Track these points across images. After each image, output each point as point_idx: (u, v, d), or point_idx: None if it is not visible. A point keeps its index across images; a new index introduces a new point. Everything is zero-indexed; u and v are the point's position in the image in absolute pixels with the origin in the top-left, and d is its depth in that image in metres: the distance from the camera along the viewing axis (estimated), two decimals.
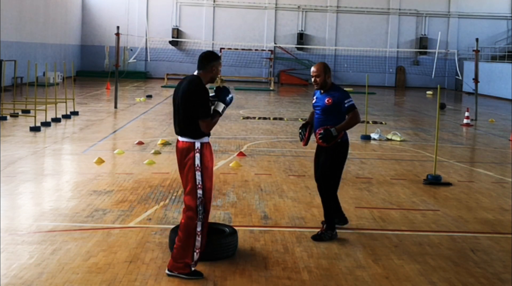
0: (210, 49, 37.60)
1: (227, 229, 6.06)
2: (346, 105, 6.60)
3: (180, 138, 5.45)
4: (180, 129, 5.45)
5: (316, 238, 6.53)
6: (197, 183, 5.34)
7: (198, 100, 5.32)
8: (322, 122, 6.67)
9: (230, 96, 5.53)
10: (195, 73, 5.53)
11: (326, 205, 6.66)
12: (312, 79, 6.78)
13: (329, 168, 6.63)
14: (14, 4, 26.49)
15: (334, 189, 6.78)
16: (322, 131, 6.56)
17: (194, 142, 5.37)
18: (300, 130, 7.03)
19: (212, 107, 5.46)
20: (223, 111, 5.48)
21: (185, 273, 5.30)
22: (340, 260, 5.92)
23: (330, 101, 6.64)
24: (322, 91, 6.77)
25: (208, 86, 5.54)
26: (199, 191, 5.34)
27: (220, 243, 5.76)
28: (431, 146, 13.46)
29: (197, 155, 5.35)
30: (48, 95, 16.89)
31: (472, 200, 8.69)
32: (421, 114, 22.04)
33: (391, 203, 8.35)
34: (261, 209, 7.71)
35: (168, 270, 5.38)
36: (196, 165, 5.34)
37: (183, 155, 5.39)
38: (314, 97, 6.89)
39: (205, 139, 5.42)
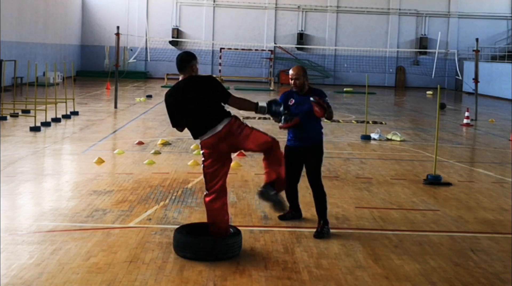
0: (210, 49, 37.73)
1: (231, 229, 6.07)
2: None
3: (220, 126, 5.70)
4: (214, 118, 5.70)
5: (318, 235, 6.65)
6: (259, 130, 5.85)
7: (217, 84, 5.80)
8: (305, 124, 6.76)
9: (277, 108, 5.98)
10: (183, 77, 5.81)
11: (322, 201, 6.82)
12: (291, 82, 6.86)
13: (320, 168, 6.92)
14: (14, 4, 26.49)
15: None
16: (318, 101, 6.59)
17: (229, 119, 5.72)
18: (286, 111, 6.58)
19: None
20: (261, 108, 5.90)
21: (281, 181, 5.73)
22: (340, 260, 5.92)
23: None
24: (301, 94, 6.87)
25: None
26: (268, 134, 5.83)
27: (225, 243, 5.76)
28: (431, 146, 13.46)
29: (239, 121, 5.76)
30: (48, 95, 16.89)
31: (472, 200, 8.69)
32: (421, 114, 22.04)
33: (391, 203, 8.35)
34: (261, 209, 7.71)
35: (265, 185, 5.76)
36: (246, 125, 5.77)
37: (236, 132, 5.70)
38: (292, 100, 6.91)
39: (231, 116, 5.80)
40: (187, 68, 5.81)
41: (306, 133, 6.86)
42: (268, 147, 5.76)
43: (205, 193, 5.98)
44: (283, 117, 6.40)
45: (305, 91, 6.86)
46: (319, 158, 6.89)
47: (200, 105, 5.72)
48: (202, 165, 5.90)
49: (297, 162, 7.00)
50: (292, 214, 7.25)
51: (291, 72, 6.88)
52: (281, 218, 7.21)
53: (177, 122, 6.01)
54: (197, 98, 5.72)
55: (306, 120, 6.82)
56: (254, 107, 5.87)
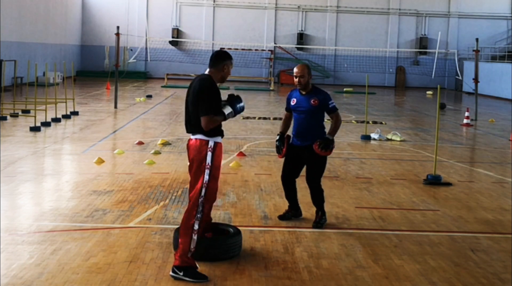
0: (210, 49, 37.70)
1: (231, 230, 6.07)
2: (330, 106, 6.89)
3: (193, 136, 5.47)
4: (192, 128, 5.47)
5: (317, 225, 6.87)
6: (204, 182, 5.36)
7: (204, 96, 5.34)
8: (307, 123, 6.88)
9: (241, 104, 5.53)
10: (206, 71, 5.57)
11: (319, 196, 6.98)
12: (296, 80, 6.88)
13: (320, 169, 6.95)
14: (14, 4, 26.49)
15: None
16: (320, 142, 6.75)
17: (208, 140, 5.39)
18: (277, 143, 7.10)
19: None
20: (228, 115, 5.43)
21: (189, 271, 5.25)
22: (340, 260, 5.92)
23: (316, 102, 6.84)
24: (303, 93, 6.90)
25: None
26: (203, 191, 5.36)
27: (226, 243, 5.77)
28: (431, 146, 13.46)
29: (209, 153, 5.37)
30: (48, 95, 16.89)
31: (472, 200, 8.69)
32: (421, 114, 22.04)
33: (391, 203, 8.35)
34: (261, 209, 7.71)
35: (174, 267, 5.31)
36: (207, 164, 5.37)
37: (195, 153, 5.40)
38: (293, 99, 6.99)
39: (218, 139, 5.46)
40: (218, 66, 5.50)
41: (307, 132, 6.89)
42: (193, 200, 5.35)
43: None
44: (277, 150, 6.99)
45: (309, 90, 6.88)
46: (320, 158, 6.90)
47: (190, 107, 5.52)
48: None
49: (297, 160, 7.03)
50: (292, 213, 7.27)
51: (295, 70, 6.89)
52: (281, 218, 7.23)
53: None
54: (191, 98, 5.51)
55: (307, 119, 6.87)
56: (223, 117, 5.42)
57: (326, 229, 6.94)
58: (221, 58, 5.53)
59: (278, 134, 7.16)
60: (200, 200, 5.37)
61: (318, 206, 7.02)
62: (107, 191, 8.40)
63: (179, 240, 5.37)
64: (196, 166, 5.41)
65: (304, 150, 6.92)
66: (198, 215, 5.36)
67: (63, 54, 34.13)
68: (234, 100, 5.51)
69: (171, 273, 5.34)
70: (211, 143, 5.39)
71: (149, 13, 38.06)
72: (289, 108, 7.12)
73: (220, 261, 5.68)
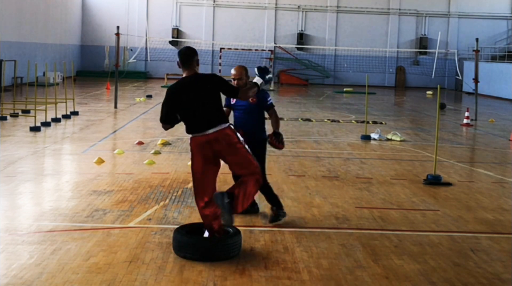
0: (210, 49, 37.74)
1: (231, 230, 6.07)
2: (268, 103, 7.20)
3: (211, 130, 5.73)
4: (209, 122, 5.74)
5: (274, 220, 7.01)
6: (250, 152, 5.85)
7: (223, 84, 5.84)
8: (246, 120, 7.12)
9: (270, 75, 6.31)
10: (187, 73, 5.83)
11: (270, 192, 7.14)
12: (234, 82, 6.98)
13: (262, 163, 7.12)
14: (14, 4, 26.49)
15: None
16: (275, 136, 7.09)
17: (228, 125, 5.81)
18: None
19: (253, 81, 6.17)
20: (261, 85, 6.16)
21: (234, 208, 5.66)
22: (340, 260, 5.92)
23: (254, 100, 7.08)
24: None
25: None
26: (253, 158, 5.84)
27: (226, 243, 5.77)
28: (431, 146, 13.46)
29: (237, 134, 5.83)
30: (48, 95, 16.89)
31: (472, 200, 8.69)
32: (421, 114, 22.04)
33: (391, 203, 8.35)
34: (261, 209, 7.71)
35: (231, 193, 5.66)
36: (241, 141, 5.82)
37: (227, 140, 5.72)
38: (233, 99, 7.14)
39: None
40: (191, 64, 5.85)
41: (247, 129, 7.02)
42: (249, 173, 5.78)
43: (195, 197, 6.00)
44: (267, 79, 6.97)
45: None
46: (260, 153, 7.03)
47: (202, 105, 5.75)
48: (191, 165, 5.93)
49: None
50: (280, 212, 7.16)
51: (233, 72, 7.05)
52: (272, 221, 7.12)
53: (169, 118, 5.95)
54: (201, 97, 5.74)
55: (246, 117, 7.11)
56: (258, 89, 6.13)
57: (326, 229, 6.94)
58: (191, 56, 5.88)
59: None
60: (258, 172, 5.81)
61: (273, 202, 7.12)
62: (107, 191, 8.40)
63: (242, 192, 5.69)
64: (232, 149, 5.74)
65: (252, 147, 6.89)
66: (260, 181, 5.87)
67: (63, 54, 34.13)
68: (264, 72, 6.27)
69: (223, 191, 5.64)
70: (231, 126, 5.86)
71: (149, 13, 38.06)
72: (228, 105, 7.28)
73: (220, 261, 5.68)
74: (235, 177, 6.95)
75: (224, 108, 7.23)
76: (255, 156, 6.72)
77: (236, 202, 5.69)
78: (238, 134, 5.87)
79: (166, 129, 6.16)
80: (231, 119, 6.54)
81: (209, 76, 5.88)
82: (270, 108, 7.23)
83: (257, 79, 6.17)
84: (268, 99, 7.18)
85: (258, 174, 5.83)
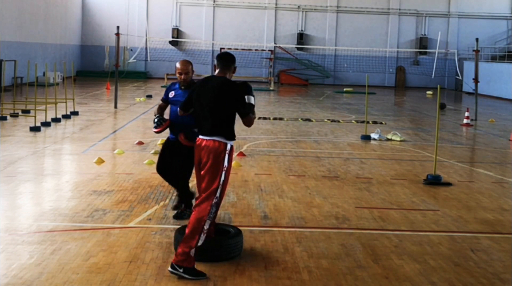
0: (210, 49, 37.73)
1: (232, 230, 6.07)
2: None
3: (209, 137, 5.53)
4: (212, 129, 5.52)
5: (179, 217, 7.00)
6: (220, 184, 5.47)
7: (240, 98, 5.51)
8: (186, 117, 6.71)
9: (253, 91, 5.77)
10: (218, 74, 5.70)
11: (183, 190, 7.08)
12: (180, 76, 6.83)
13: (190, 167, 6.87)
14: (14, 4, 26.48)
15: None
16: (186, 133, 6.79)
17: (226, 143, 5.52)
18: (158, 117, 7.09)
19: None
20: (255, 103, 5.65)
21: (189, 268, 5.27)
22: (340, 260, 5.92)
23: None
24: (183, 87, 6.92)
25: None
26: (218, 191, 5.45)
27: (227, 244, 5.77)
28: (431, 146, 13.46)
29: (227, 156, 5.51)
30: (48, 95, 16.89)
31: (472, 200, 8.69)
32: (421, 114, 22.04)
33: (391, 203, 8.35)
34: (261, 209, 7.71)
35: (173, 264, 5.31)
36: (224, 166, 5.48)
37: (211, 154, 5.47)
38: (171, 92, 7.01)
39: (233, 142, 5.61)
40: (229, 68, 5.72)
41: (182, 127, 6.85)
42: (208, 194, 5.43)
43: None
44: (155, 121, 6.92)
45: (190, 84, 6.88)
46: (189, 154, 6.77)
47: (214, 109, 5.57)
48: None
49: (173, 156, 7.00)
50: (186, 211, 7.07)
51: (179, 66, 6.85)
52: (176, 217, 7.07)
53: (186, 105, 5.96)
54: (217, 100, 5.57)
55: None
56: (254, 107, 5.69)
57: (326, 229, 6.94)
58: (231, 61, 5.74)
59: (156, 115, 7.14)
60: (214, 201, 5.44)
61: (184, 201, 7.08)
62: (107, 191, 8.40)
63: (185, 236, 5.38)
64: (212, 167, 5.46)
65: (179, 144, 6.90)
66: (211, 216, 5.43)
67: (63, 54, 34.13)
68: (249, 89, 5.66)
69: (169, 268, 5.34)
70: (229, 146, 5.53)
71: (149, 13, 38.06)
72: (166, 100, 7.16)
73: (220, 261, 5.67)
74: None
75: (161, 102, 7.23)
76: (182, 156, 6.84)
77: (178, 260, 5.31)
78: (228, 159, 5.50)
79: (180, 114, 6.13)
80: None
81: (237, 84, 5.63)
82: None
83: (250, 99, 5.57)
84: None
85: (206, 207, 5.41)
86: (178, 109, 6.14)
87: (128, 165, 10.35)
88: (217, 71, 5.77)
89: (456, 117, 20.73)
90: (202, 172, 5.57)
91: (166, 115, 7.22)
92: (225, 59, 5.73)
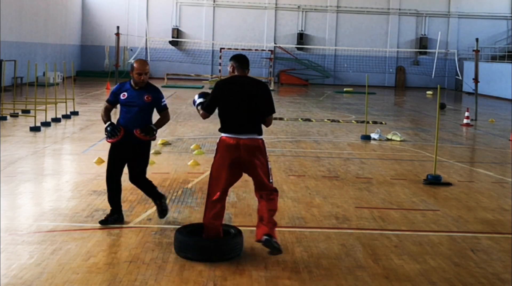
0: (210, 49, 37.74)
1: (232, 230, 6.07)
2: (162, 104, 6.89)
3: (247, 136, 5.80)
4: (250, 127, 5.81)
5: (164, 213, 6.98)
6: (271, 173, 6.00)
7: (269, 97, 5.95)
8: (136, 118, 6.73)
9: (204, 100, 6.23)
10: (240, 74, 5.94)
11: (152, 187, 6.97)
12: (140, 77, 6.67)
13: (146, 166, 6.91)
14: (14, 4, 26.48)
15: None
16: (142, 128, 6.68)
17: (262, 139, 5.95)
18: (109, 127, 6.76)
19: None
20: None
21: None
22: (340, 260, 5.92)
23: (149, 98, 6.76)
24: (136, 88, 6.78)
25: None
26: (271, 178, 5.99)
27: (228, 244, 5.77)
28: (431, 146, 13.46)
29: (266, 150, 5.98)
30: (48, 95, 16.89)
31: (472, 200, 8.69)
32: (421, 114, 22.04)
33: (391, 203, 8.35)
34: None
35: (269, 236, 5.65)
36: (267, 158, 5.96)
37: (258, 151, 5.85)
38: (123, 93, 6.81)
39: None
40: (248, 69, 6.03)
41: (135, 127, 6.72)
42: (275, 197, 5.91)
43: (207, 197, 5.99)
44: (108, 130, 6.66)
45: (144, 85, 6.80)
46: (145, 154, 6.84)
47: (246, 107, 5.78)
48: (212, 163, 5.94)
49: (123, 158, 6.81)
50: (114, 217, 6.87)
51: (138, 66, 6.67)
52: (102, 222, 6.77)
53: (210, 108, 5.99)
54: (248, 99, 5.80)
55: (138, 115, 6.74)
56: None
57: (326, 229, 6.94)
58: (249, 63, 6.06)
59: (107, 123, 6.83)
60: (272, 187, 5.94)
61: (155, 196, 6.98)
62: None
63: (269, 220, 5.75)
64: (259, 162, 5.84)
65: (132, 146, 6.73)
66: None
67: (63, 54, 34.13)
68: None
69: (274, 242, 5.62)
70: (264, 141, 6.00)
71: (149, 13, 38.06)
72: (113, 101, 6.98)
73: (220, 261, 5.67)
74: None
75: (107, 104, 7.04)
76: (139, 157, 6.78)
77: (274, 233, 5.75)
78: (267, 152, 5.98)
79: (204, 117, 6.10)
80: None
81: (262, 83, 5.99)
82: (164, 109, 6.88)
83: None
84: (163, 100, 6.86)
85: (276, 192, 5.94)
86: (203, 112, 6.01)
87: None
88: (237, 71, 5.94)
89: (456, 117, 20.74)
90: (251, 172, 5.86)
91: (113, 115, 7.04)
92: (246, 60, 6.02)
